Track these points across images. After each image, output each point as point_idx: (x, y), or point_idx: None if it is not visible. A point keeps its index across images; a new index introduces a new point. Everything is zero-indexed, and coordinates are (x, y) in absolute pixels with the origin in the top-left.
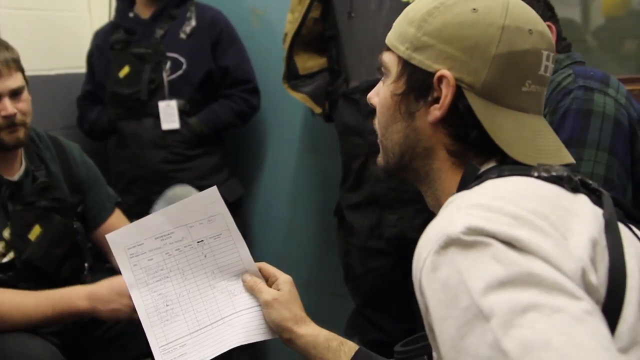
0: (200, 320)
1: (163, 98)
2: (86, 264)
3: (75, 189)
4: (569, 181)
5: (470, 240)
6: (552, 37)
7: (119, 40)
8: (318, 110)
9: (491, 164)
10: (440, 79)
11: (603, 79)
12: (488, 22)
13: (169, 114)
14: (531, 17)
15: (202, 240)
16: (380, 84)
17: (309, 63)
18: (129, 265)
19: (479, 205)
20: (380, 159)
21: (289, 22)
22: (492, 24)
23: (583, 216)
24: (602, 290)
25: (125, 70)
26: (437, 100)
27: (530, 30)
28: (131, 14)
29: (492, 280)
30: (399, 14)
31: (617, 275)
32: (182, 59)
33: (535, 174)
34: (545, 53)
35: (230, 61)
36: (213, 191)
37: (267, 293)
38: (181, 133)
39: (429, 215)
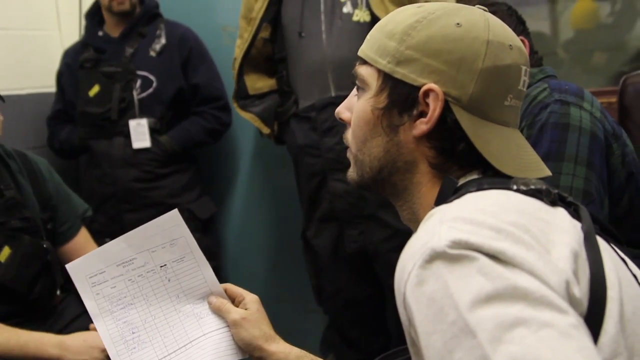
0: (169, 346)
1: (134, 117)
2: (58, 284)
3: (45, 204)
4: (548, 194)
5: (456, 253)
6: (526, 52)
7: (88, 59)
8: (266, 130)
9: (472, 177)
10: (427, 92)
11: (578, 92)
12: (473, 36)
13: (140, 133)
14: (508, 33)
15: (165, 265)
16: (350, 99)
17: (258, 84)
18: (91, 295)
19: (461, 218)
20: (352, 174)
21: (238, 46)
22: (477, 38)
23: (563, 229)
24: (585, 303)
25: (95, 90)
26: (422, 114)
27: (510, 45)
28: (100, 33)
29: (478, 294)
30: (349, 34)
31: (598, 288)
32: (152, 77)
33: (515, 187)
34: (523, 68)
35: (201, 78)
36: (174, 214)
37: (235, 312)
38: (152, 151)
39: (391, 232)
